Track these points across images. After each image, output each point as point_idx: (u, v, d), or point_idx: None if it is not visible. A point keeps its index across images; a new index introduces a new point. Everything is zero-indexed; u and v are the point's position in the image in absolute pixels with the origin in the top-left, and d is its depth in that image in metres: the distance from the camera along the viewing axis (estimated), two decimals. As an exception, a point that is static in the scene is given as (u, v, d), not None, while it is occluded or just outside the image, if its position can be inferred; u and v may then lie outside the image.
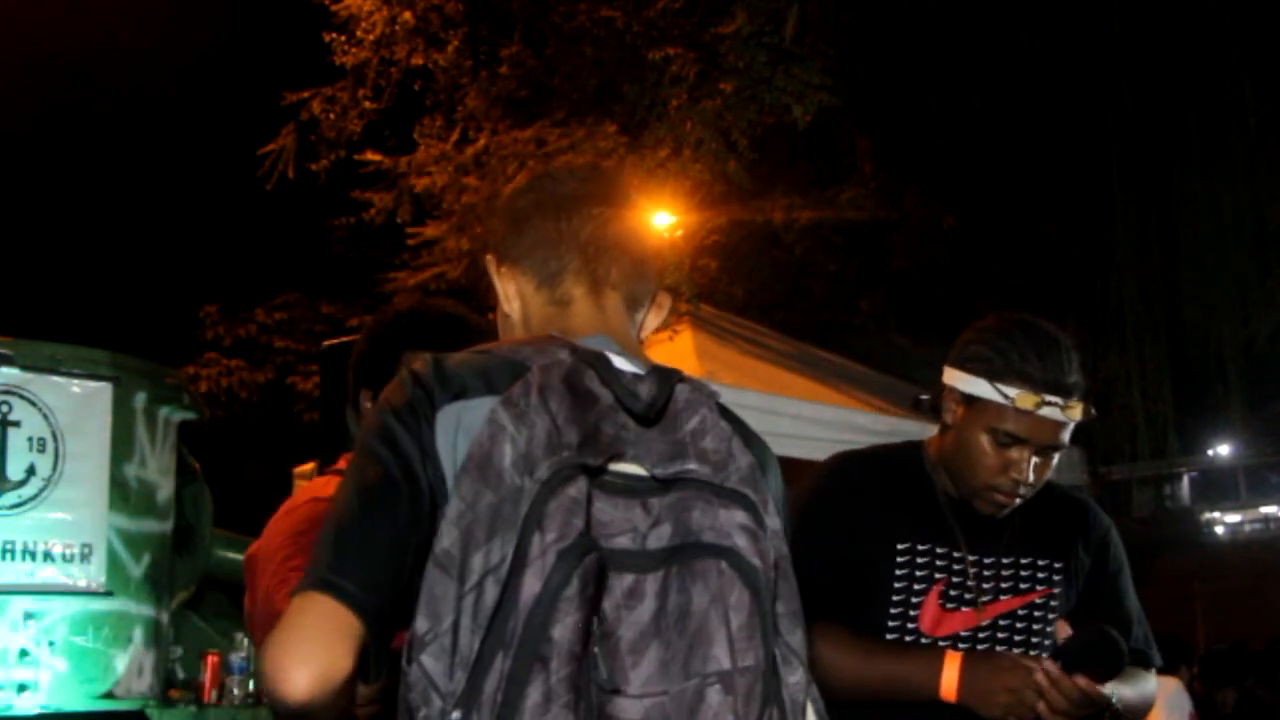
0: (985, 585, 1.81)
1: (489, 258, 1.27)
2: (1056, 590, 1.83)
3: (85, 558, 3.55)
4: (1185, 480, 25.84)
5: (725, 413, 1.09)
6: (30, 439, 3.51)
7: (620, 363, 1.06)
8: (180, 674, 4.17)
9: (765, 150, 7.53)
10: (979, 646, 1.78)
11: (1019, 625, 1.80)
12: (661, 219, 7.29)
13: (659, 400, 1.00)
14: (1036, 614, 1.81)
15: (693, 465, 0.98)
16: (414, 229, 8.31)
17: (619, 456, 0.97)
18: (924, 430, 5.65)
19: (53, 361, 3.57)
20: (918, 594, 1.80)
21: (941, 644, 1.77)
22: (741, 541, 0.95)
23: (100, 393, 3.64)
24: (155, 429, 3.84)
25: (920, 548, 1.82)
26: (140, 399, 3.76)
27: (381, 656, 0.97)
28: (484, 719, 0.88)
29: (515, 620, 0.89)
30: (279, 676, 0.92)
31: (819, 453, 4.81)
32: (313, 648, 0.92)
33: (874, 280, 9.98)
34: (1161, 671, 4.71)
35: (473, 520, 0.93)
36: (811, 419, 4.73)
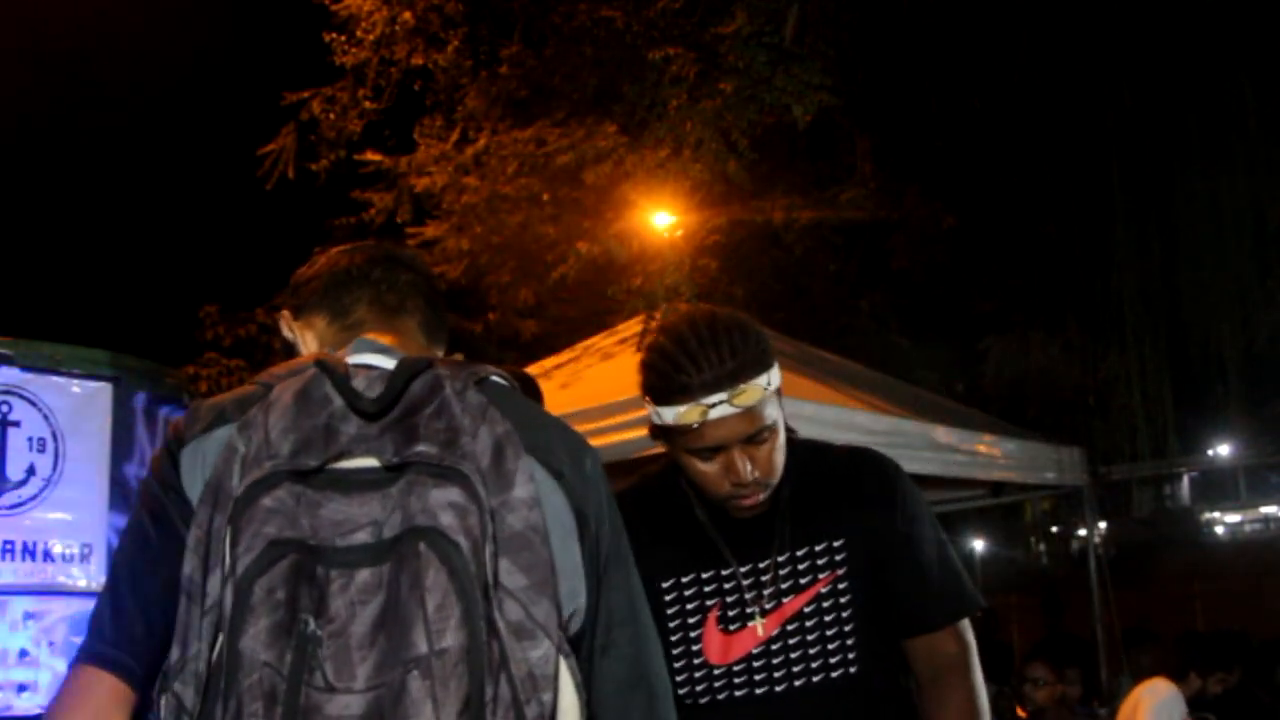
0: (765, 593, 1.70)
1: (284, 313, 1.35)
2: (842, 571, 1.70)
3: (85, 558, 3.55)
4: (1185, 480, 25.86)
5: (493, 389, 1.09)
6: (30, 439, 3.51)
7: (374, 359, 1.08)
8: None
9: (765, 150, 7.53)
10: (774, 660, 1.67)
11: (809, 624, 1.68)
12: (661, 219, 7.30)
13: (389, 395, 1.00)
14: (826, 604, 1.69)
15: (421, 448, 0.97)
16: (414, 229, 8.31)
17: (346, 454, 0.98)
18: (924, 430, 5.66)
19: (53, 361, 3.57)
20: (694, 627, 1.72)
21: (737, 667, 1.68)
22: (446, 519, 0.93)
23: (100, 393, 3.64)
24: (155, 429, 3.84)
25: (684, 579, 1.73)
26: (140, 399, 3.76)
27: (146, 686, 1.04)
28: None
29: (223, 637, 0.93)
30: None
31: (819, 453, 4.82)
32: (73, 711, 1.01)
33: (874, 280, 9.98)
34: (1170, 677, 4.67)
35: (207, 544, 0.97)
36: (812, 419, 4.72)
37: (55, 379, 3.58)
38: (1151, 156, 8.08)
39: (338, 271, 1.30)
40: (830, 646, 1.67)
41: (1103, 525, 12.57)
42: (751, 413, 1.62)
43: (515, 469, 1.00)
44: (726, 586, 1.72)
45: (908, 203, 9.05)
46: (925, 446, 5.01)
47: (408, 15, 8.17)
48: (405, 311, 1.28)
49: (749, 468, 1.64)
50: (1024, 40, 8.08)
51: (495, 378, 1.13)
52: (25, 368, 3.53)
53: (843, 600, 1.69)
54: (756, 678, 1.68)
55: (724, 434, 1.62)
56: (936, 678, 1.71)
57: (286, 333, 1.34)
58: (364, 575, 0.94)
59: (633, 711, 1.07)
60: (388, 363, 1.08)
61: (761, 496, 1.68)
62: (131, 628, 1.05)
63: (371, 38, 8.15)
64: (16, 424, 3.51)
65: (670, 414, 1.63)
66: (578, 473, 1.10)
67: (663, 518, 1.78)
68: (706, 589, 1.73)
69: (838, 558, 1.71)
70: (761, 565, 1.71)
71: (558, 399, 4.77)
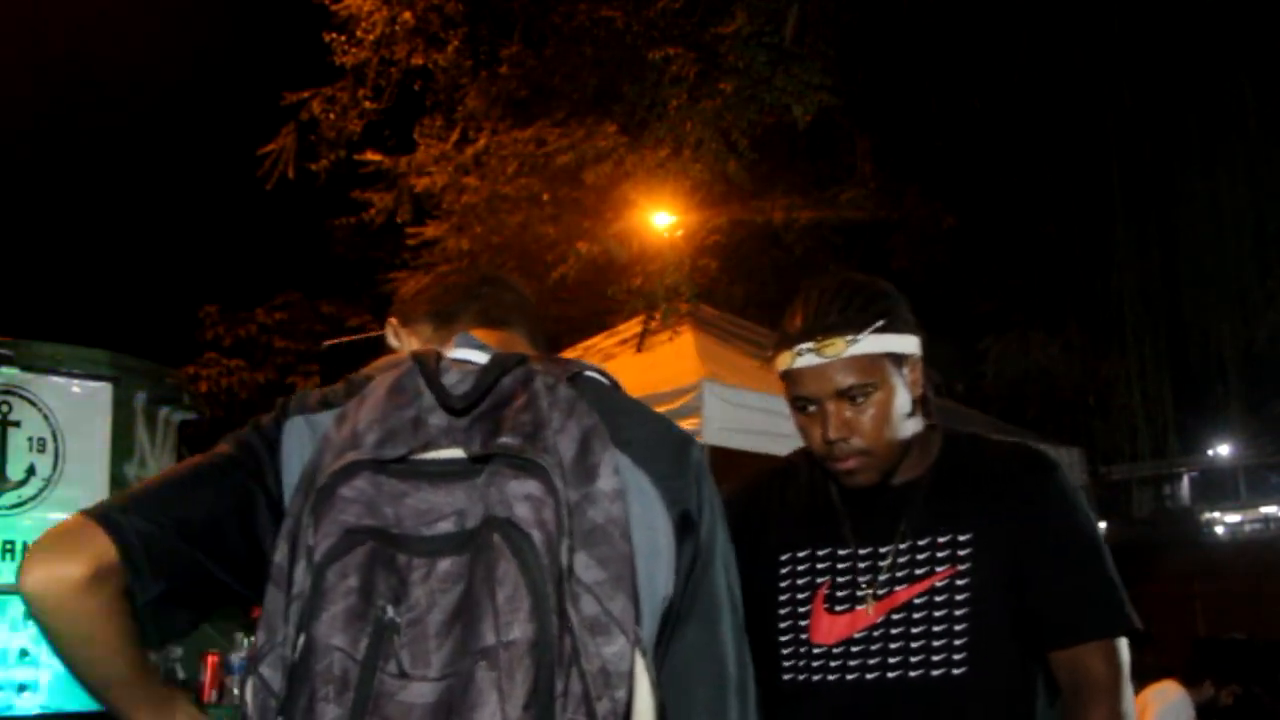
0: (880, 579, 1.65)
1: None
2: (964, 567, 1.62)
3: (85, 558, 3.55)
4: (1185, 480, 25.86)
5: (586, 383, 1.10)
6: (30, 439, 3.52)
7: (471, 354, 1.10)
8: (180, 674, 4.16)
9: (765, 150, 7.53)
10: (873, 648, 1.63)
11: (917, 616, 1.62)
12: (661, 219, 7.30)
13: (476, 390, 1.02)
14: (939, 599, 1.62)
15: (504, 439, 0.98)
16: (414, 229, 8.31)
17: (433, 445, 0.99)
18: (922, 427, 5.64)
19: (53, 361, 3.57)
20: (803, 604, 1.69)
21: (836, 649, 1.64)
22: (521, 511, 0.93)
23: (100, 393, 3.65)
24: (155, 429, 3.84)
25: (800, 554, 1.72)
26: (140, 399, 3.76)
27: (147, 579, 1.05)
28: None
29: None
30: (20, 570, 1.05)
31: (819, 453, 4.82)
32: (49, 552, 1.03)
33: (874, 280, 9.98)
34: (1183, 681, 4.63)
35: (296, 532, 0.98)
36: (811, 419, 4.72)
37: (55, 379, 3.59)
38: (1151, 156, 8.08)
39: (446, 285, 1.36)
40: (935, 644, 1.61)
41: (1103, 525, 12.56)
42: (841, 365, 1.60)
43: (600, 461, 0.99)
44: (840, 566, 1.69)
45: (908, 203, 9.05)
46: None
47: (408, 15, 8.17)
48: (509, 324, 1.32)
49: (831, 427, 1.62)
50: (1024, 40, 8.08)
51: (591, 374, 1.14)
52: (25, 368, 3.53)
53: (958, 598, 1.62)
54: (852, 663, 1.64)
55: (813, 385, 1.62)
56: (1076, 699, 1.61)
57: (393, 340, 1.38)
58: (445, 564, 0.94)
59: (697, 698, 1.06)
60: (483, 358, 1.09)
61: (855, 463, 1.64)
62: (154, 511, 1.07)
63: (371, 38, 8.16)
64: (16, 424, 3.51)
65: (775, 358, 1.66)
66: (674, 466, 1.09)
67: (797, 493, 1.78)
68: (819, 566, 1.71)
69: (960, 553, 1.64)
70: (882, 550, 1.67)
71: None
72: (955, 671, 1.59)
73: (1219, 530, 25.84)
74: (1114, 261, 8.31)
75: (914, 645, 1.62)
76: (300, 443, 1.11)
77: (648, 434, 1.10)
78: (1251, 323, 8.44)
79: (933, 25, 8.28)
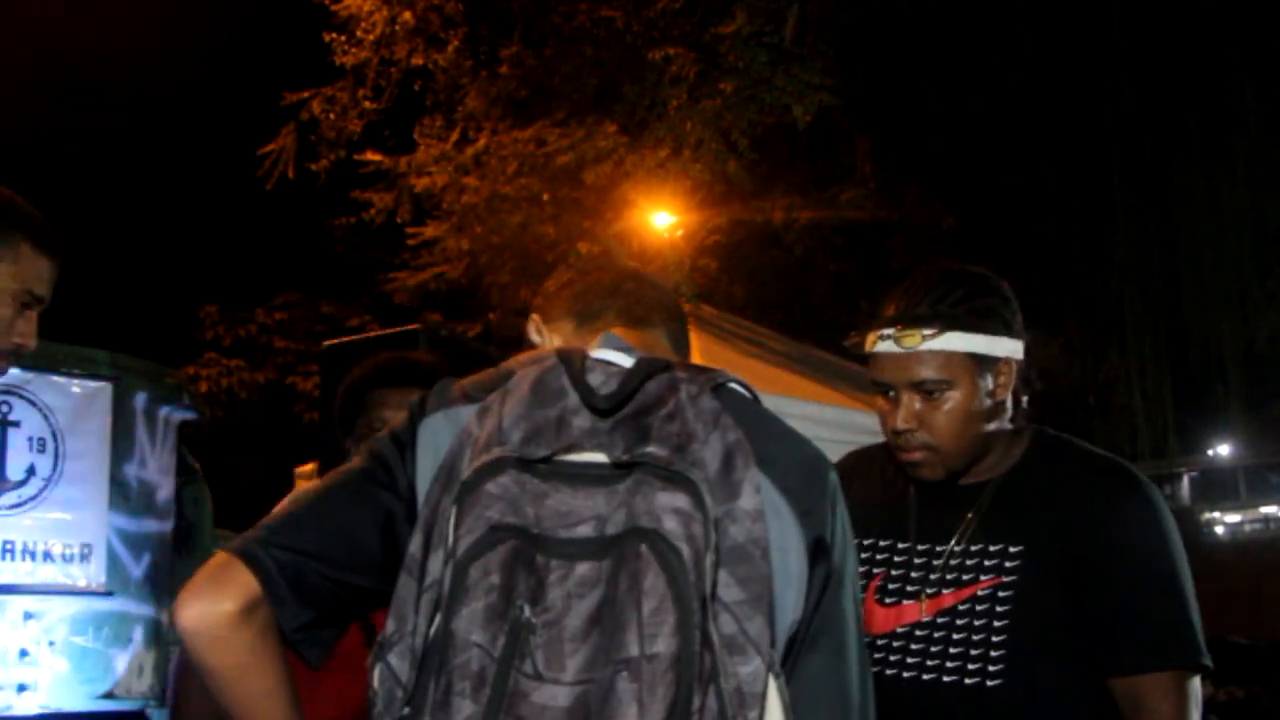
0: (932, 577, 1.64)
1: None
2: (1009, 579, 1.58)
3: (85, 558, 3.55)
4: (1185, 480, 25.87)
5: (729, 395, 1.09)
6: (30, 439, 3.51)
7: (615, 356, 1.09)
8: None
9: (765, 150, 7.54)
10: (913, 646, 1.62)
11: (959, 622, 1.59)
12: (661, 219, 7.30)
13: (621, 392, 1.01)
14: (980, 608, 1.58)
15: (651, 449, 0.97)
16: (414, 229, 8.31)
17: (576, 447, 0.99)
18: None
19: (53, 361, 3.57)
20: (861, 589, 1.70)
21: (879, 641, 1.64)
22: (670, 524, 0.92)
23: (100, 393, 3.64)
24: (155, 429, 3.84)
25: (865, 542, 1.71)
26: (140, 399, 3.76)
27: (293, 609, 1.07)
28: (424, 714, 0.94)
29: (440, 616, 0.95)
30: (174, 610, 1.07)
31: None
32: (199, 591, 1.06)
33: (874, 280, 9.98)
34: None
35: (432, 523, 0.99)
36: (812, 419, 4.72)
37: (55, 379, 3.58)
38: (1151, 156, 8.09)
39: (589, 282, 1.35)
40: (973, 652, 1.58)
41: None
42: (918, 358, 1.59)
43: (743, 479, 0.98)
44: (897, 560, 1.68)
45: (908, 203, 9.05)
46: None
47: (408, 15, 8.17)
48: (651, 324, 1.30)
49: (899, 417, 1.61)
50: (1024, 40, 8.09)
51: (734, 385, 1.13)
52: (25, 368, 3.53)
53: (999, 609, 1.58)
54: (892, 658, 1.64)
55: (890, 372, 1.62)
56: None
57: (534, 336, 1.38)
58: (583, 569, 0.94)
59: (819, 712, 1.05)
60: (627, 360, 1.09)
61: (919, 456, 1.62)
62: (295, 540, 1.09)
63: (371, 38, 8.16)
64: (16, 424, 3.51)
65: (863, 339, 1.66)
66: (811, 489, 1.08)
67: (874, 480, 1.77)
68: (879, 556, 1.71)
69: (1008, 564, 1.59)
70: (939, 549, 1.65)
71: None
72: (990, 682, 1.56)
73: (1219, 530, 25.85)
74: (1114, 261, 8.31)
75: (953, 650, 1.59)
76: (436, 438, 1.10)
77: (788, 455, 1.10)
78: (1251, 323, 8.44)
79: (933, 25, 8.28)
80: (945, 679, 1.59)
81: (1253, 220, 8.04)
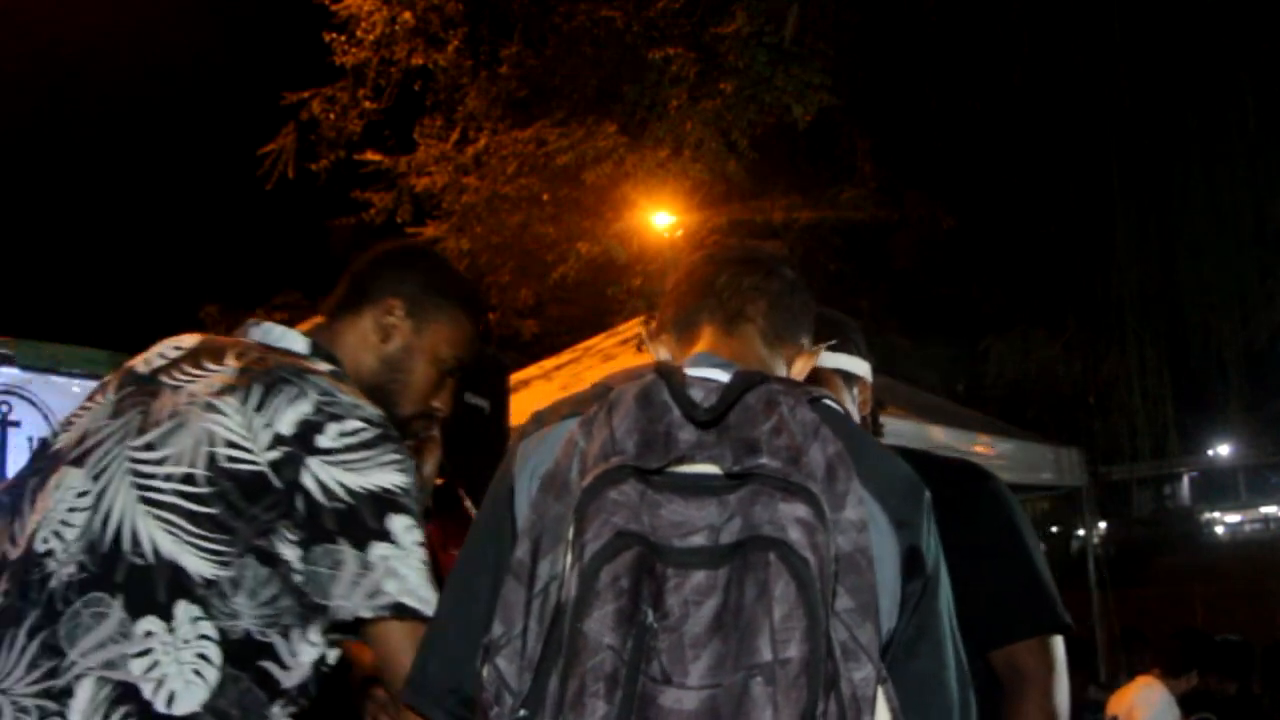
0: None
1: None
2: None
3: (85, 558, 3.55)
4: (1185, 480, 25.88)
5: (824, 410, 1.11)
6: (30, 439, 3.51)
7: (711, 373, 1.12)
8: None
9: (765, 150, 7.54)
10: None
11: None
12: (661, 219, 7.31)
13: (721, 404, 1.04)
14: None
15: (764, 460, 1.00)
16: (414, 229, 8.31)
17: (686, 459, 1.02)
18: (922, 430, 5.66)
19: (53, 361, 3.57)
20: None
21: None
22: (795, 534, 0.95)
23: (100, 393, 3.65)
24: (155, 429, 3.84)
25: None
26: (140, 399, 3.76)
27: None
28: (546, 716, 0.95)
29: (563, 619, 0.96)
30: None
31: (819, 453, 4.82)
32: None
33: (874, 280, 9.98)
34: (1169, 672, 4.64)
35: (542, 529, 1.02)
36: (811, 419, 4.72)
37: (55, 379, 3.58)
38: (1151, 156, 8.09)
39: (687, 285, 1.36)
40: None
41: (1102, 525, 12.56)
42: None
43: (847, 490, 1.02)
44: None
45: (908, 203, 9.05)
46: (923, 447, 5.00)
47: (408, 15, 8.17)
48: (745, 318, 1.31)
49: None
50: (1024, 41, 8.08)
51: (828, 401, 1.15)
52: (25, 368, 3.53)
53: None
54: None
55: None
56: (1012, 694, 1.72)
57: (650, 350, 1.40)
58: (699, 577, 0.96)
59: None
60: (723, 376, 1.11)
61: None
62: (455, 668, 1.13)
63: (371, 38, 8.16)
64: (16, 424, 3.50)
65: None
66: (909, 504, 1.12)
67: None
68: None
69: None
70: None
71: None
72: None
73: (1219, 530, 25.86)
74: (1114, 261, 8.31)
75: None
76: (533, 459, 1.14)
77: (884, 469, 1.13)
78: (1251, 323, 8.44)
79: (933, 25, 8.28)
80: None
81: (1253, 220, 8.04)
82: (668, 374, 1.07)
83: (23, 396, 3.51)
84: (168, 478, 1.39)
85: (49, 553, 1.40)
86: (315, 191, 8.50)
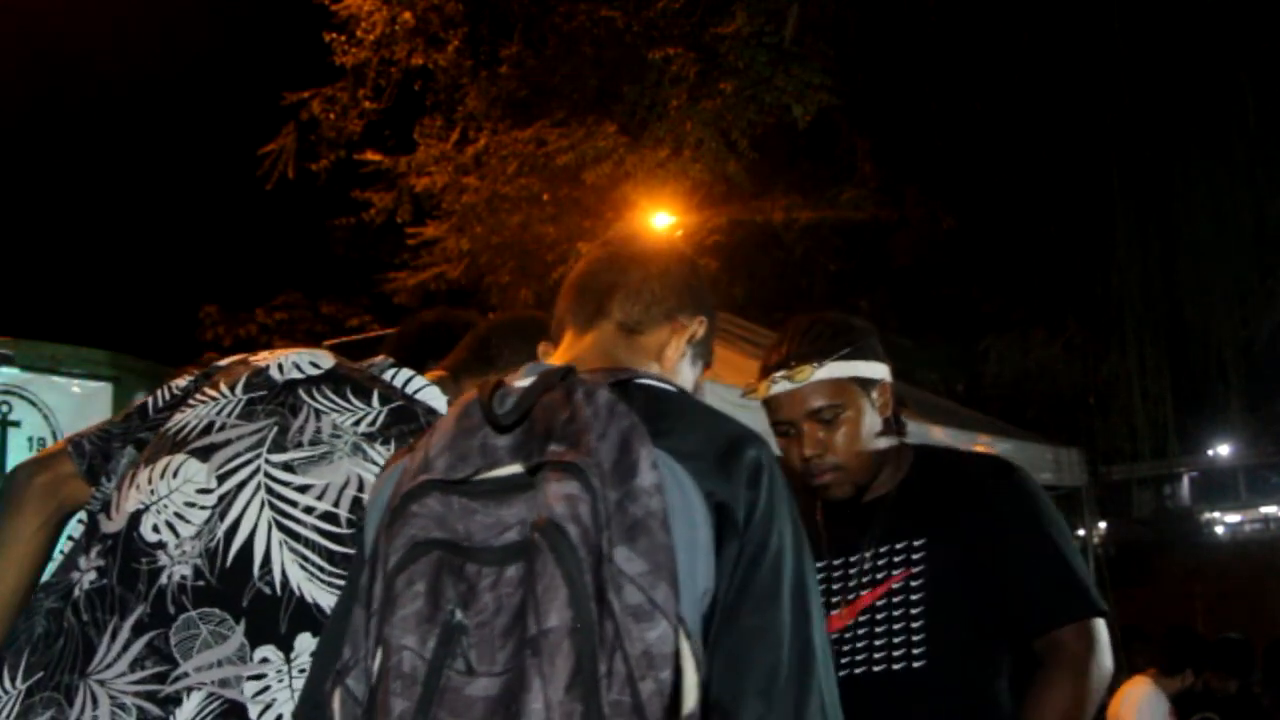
0: (849, 585, 1.85)
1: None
2: (917, 570, 1.80)
3: (85, 558, 3.55)
4: (1185, 480, 25.85)
5: (635, 389, 1.17)
6: (30, 439, 3.51)
7: (529, 381, 1.17)
8: None
9: (765, 150, 7.54)
10: (844, 648, 1.80)
11: (879, 617, 1.80)
12: (661, 219, 7.31)
13: (516, 410, 1.10)
14: (896, 600, 1.80)
15: (551, 447, 1.05)
16: (414, 229, 8.31)
17: (498, 464, 1.08)
18: (921, 430, 5.66)
19: (53, 361, 3.57)
20: None
21: None
22: (560, 509, 0.99)
23: (100, 393, 3.64)
24: (155, 429, 3.84)
25: None
26: (140, 399, 3.76)
27: None
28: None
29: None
30: None
31: (819, 453, 4.83)
32: None
33: (874, 280, 9.98)
34: (1163, 670, 4.65)
35: (376, 552, 1.07)
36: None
37: (55, 379, 3.58)
38: (1151, 156, 8.08)
39: (562, 291, 1.38)
40: (896, 640, 1.78)
41: (1103, 525, 12.56)
42: (810, 389, 1.81)
43: (639, 458, 1.05)
44: (817, 577, 1.84)
45: (908, 203, 9.05)
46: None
47: (408, 15, 8.17)
48: (602, 315, 1.34)
49: (808, 444, 1.81)
50: (1024, 41, 8.08)
51: (646, 380, 1.21)
52: (25, 368, 3.53)
53: (913, 598, 1.79)
54: None
55: (788, 408, 1.83)
56: (1046, 665, 1.77)
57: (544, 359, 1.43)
58: (511, 570, 1.02)
59: (748, 682, 1.10)
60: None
61: (831, 477, 1.82)
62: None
63: (371, 38, 8.16)
64: (16, 424, 3.51)
65: (757, 390, 1.86)
66: (719, 463, 1.13)
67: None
68: None
69: (914, 556, 1.81)
70: (851, 559, 1.86)
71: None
72: (915, 665, 1.76)
73: (1219, 530, 25.84)
74: (1114, 261, 8.31)
75: (877, 643, 1.80)
76: (380, 495, 1.21)
77: (696, 431, 1.16)
78: (1251, 323, 8.44)
79: (933, 26, 8.28)
80: (875, 669, 1.79)
81: (1253, 220, 8.04)
82: (483, 388, 1.14)
83: (23, 396, 3.51)
84: (308, 510, 1.40)
85: (160, 544, 1.39)
86: (315, 191, 8.51)
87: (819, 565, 1.84)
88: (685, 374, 1.41)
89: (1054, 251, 8.87)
